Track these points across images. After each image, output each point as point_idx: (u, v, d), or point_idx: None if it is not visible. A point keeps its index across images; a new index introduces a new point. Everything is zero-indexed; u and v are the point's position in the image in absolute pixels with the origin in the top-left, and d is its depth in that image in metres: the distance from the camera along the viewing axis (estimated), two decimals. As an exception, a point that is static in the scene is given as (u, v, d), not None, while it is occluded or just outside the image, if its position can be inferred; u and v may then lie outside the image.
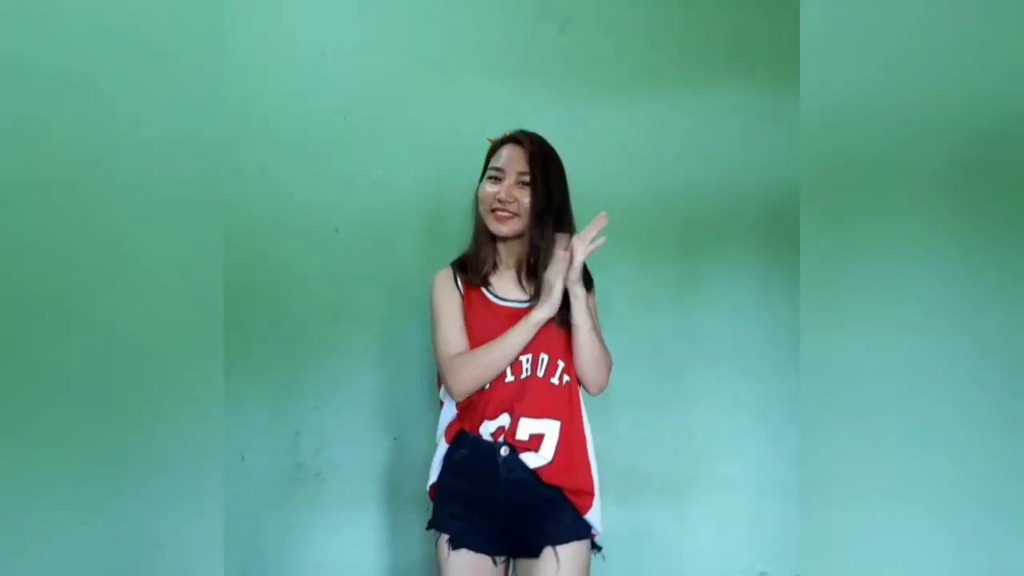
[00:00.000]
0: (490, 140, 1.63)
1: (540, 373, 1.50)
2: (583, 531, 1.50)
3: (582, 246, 1.44)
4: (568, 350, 1.52)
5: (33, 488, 0.79)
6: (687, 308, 2.16)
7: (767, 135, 2.19)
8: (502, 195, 1.50)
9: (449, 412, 1.59)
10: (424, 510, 1.99)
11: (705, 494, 2.17)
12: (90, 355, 0.81)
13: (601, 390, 1.56)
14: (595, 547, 1.54)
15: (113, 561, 0.82)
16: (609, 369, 1.56)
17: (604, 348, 1.54)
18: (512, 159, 1.53)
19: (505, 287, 1.57)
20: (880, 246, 0.94)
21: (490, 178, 1.53)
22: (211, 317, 0.89)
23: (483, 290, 1.56)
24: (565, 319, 1.51)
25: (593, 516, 1.52)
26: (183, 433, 0.85)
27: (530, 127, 1.68)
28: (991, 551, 0.90)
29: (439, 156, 2.01)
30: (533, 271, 1.53)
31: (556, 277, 1.45)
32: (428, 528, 1.57)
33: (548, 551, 1.44)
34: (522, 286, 1.56)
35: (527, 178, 1.51)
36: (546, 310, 1.46)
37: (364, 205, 1.98)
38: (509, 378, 1.49)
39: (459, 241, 1.90)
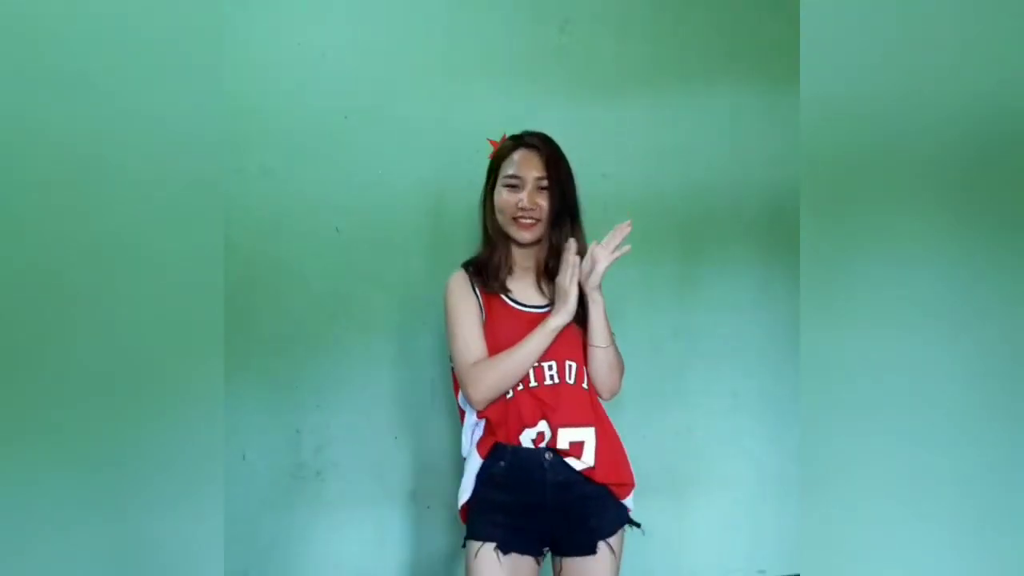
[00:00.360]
0: (491, 141, 1.63)
1: (570, 380, 1.51)
2: (623, 516, 1.55)
3: (604, 254, 1.45)
4: (581, 349, 1.54)
5: (33, 488, 0.79)
6: (687, 308, 2.16)
7: (767, 134, 2.19)
8: (525, 203, 1.50)
9: (471, 424, 1.56)
10: (425, 508, 2.00)
11: (705, 493, 2.17)
12: (90, 354, 0.82)
13: (614, 395, 1.57)
14: (634, 524, 1.56)
15: (113, 560, 0.82)
16: (622, 374, 1.57)
17: (619, 357, 1.55)
18: (529, 165, 1.52)
19: (524, 292, 1.57)
20: (880, 246, 0.94)
21: (508, 186, 1.53)
22: (211, 317, 0.89)
23: (503, 296, 1.55)
24: (584, 318, 1.51)
25: (629, 499, 1.56)
26: (183, 433, 0.85)
27: (530, 126, 1.68)
28: (990, 550, 0.90)
29: (439, 156, 2.01)
30: (552, 273, 1.54)
31: (570, 283, 1.45)
32: (464, 545, 1.53)
33: (603, 546, 1.49)
34: (540, 289, 1.57)
35: (545, 183, 1.52)
36: (563, 316, 1.46)
37: (365, 205, 1.98)
38: (532, 383, 1.49)
39: (460, 240, 1.91)
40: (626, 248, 1.45)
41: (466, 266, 1.60)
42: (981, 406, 0.91)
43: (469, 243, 1.75)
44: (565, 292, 1.45)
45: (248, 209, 1.91)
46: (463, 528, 1.56)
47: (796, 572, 2.16)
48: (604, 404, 1.59)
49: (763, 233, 2.20)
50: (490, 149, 1.63)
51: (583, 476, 1.49)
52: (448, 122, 2.01)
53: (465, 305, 1.53)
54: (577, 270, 1.45)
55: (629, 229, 1.45)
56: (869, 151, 0.94)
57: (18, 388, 0.78)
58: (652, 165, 2.13)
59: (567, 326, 1.49)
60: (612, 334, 1.55)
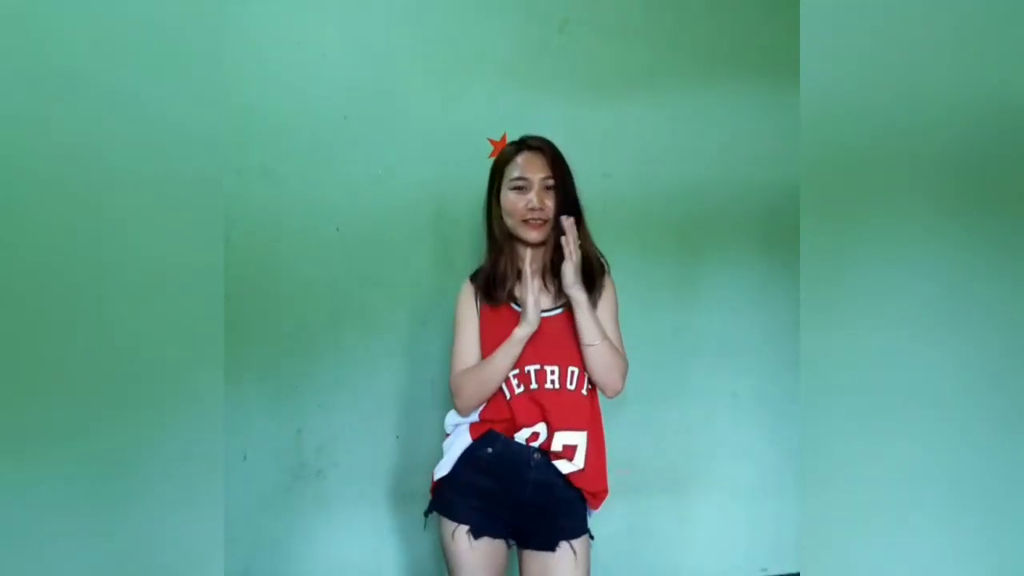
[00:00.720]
0: (491, 141, 1.63)
1: (571, 386, 1.54)
2: (586, 524, 1.57)
3: (567, 253, 1.47)
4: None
5: (34, 488, 0.79)
6: (687, 307, 2.17)
7: (767, 134, 2.19)
8: (534, 203, 1.53)
9: (472, 417, 1.60)
10: (426, 508, 2.00)
11: (705, 492, 2.17)
12: (90, 354, 0.82)
13: (616, 393, 1.57)
14: (590, 535, 1.59)
15: (114, 560, 0.82)
16: (623, 374, 1.57)
17: (616, 354, 1.55)
18: (534, 166, 1.55)
19: None
20: (879, 245, 0.94)
21: (515, 188, 1.55)
22: (211, 317, 0.89)
23: (511, 304, 1.58)
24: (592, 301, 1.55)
25: (597, 511, 1.58)
26: (183, 433, 0.85)
27: (530, 126, 1.68)
28: (989, 548, 0.90)
29: (439, 156, 2.01)
30: (558, 271, 1.55)
31: (528, 294, 1.48)
32: (428, 513, 1.60)
33: (564, 545, 1.51)
34: (547, 289, 1.59)
35: (551, 183, 1.55)
36: (525, 328, 1.49)
37: (365, 205, 1.98)
38: (533, 385, 1.53)
39: (460, 240, 1.91)
40: (573, 242, 1.48)
41: (474, 278, 1.64)
42: (980, 406, 0.91)
43: (469, 243, 1.75)
44: (524, 305, 1.49)
45: (248, 209, 1.91)
46: (427, 499, 1.60)
47: (798, 571, 2.16)
48: (604, 404, 1.60)
49: (762, 233, 2.20)
50: (490, 148, 1.63)
51: (565, 480, 1.53)
52: (448, 122, 2.01)
53: (465, 319, 1.60)
54: (535, 283, 1.48)
55: (571, 221, 1.48)
56: (869, 151, 0.94)
57: (18, 388, 0.78)
58: (652, 165, 2.13)
59: (567, 325, 1.53)
60: (615, 320, 1.57)
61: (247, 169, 1.92)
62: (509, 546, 1.56)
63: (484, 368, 1.53)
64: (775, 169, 2.18)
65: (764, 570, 2.21)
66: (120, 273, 0.84)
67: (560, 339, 1.53)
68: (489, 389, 1.53)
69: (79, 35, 0.83)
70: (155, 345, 0.85)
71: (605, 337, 1.53)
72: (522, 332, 1.49)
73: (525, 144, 1.59)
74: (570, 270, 1.47)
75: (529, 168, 1.55)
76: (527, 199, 1.53)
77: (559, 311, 1.56)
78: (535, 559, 1.53)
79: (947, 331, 0.91)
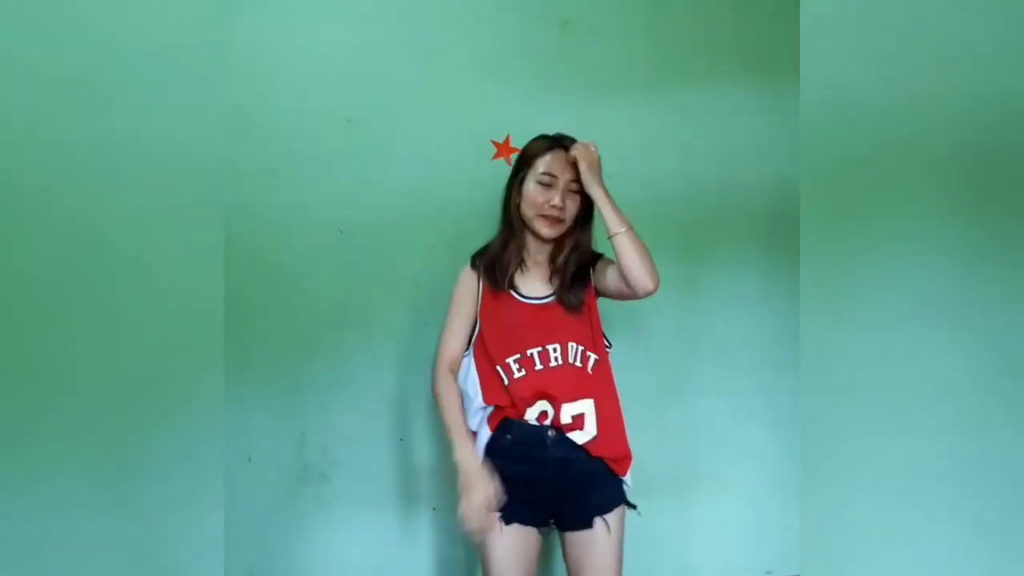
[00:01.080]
0: (494, 142, 1.64)
1: (572, 360, 1.57)
2: (620, 496, 1.59)
3: (583, 153, 1.55)
4: (586, 333, 1.59)
5: (36, 489, 0.79)
6: (689, 307, 2.16)
7: (768, 134, 2.19)
8: (557, 202, 1.57)
9: (477, 407, 1.61)
10: (430, 509, 2.00)
11: (708, 492, 2.16)
12: (92, 356, 0.82)
13: (657, 282, 1.53)
14: (630, 505, 1.60)
15: (114, 560, 0.82)
16: (654, 264, 1.54)
17: (642, 241, 1.54)
18: (564, 166, 1.58)
19: (531, 284, 1.63)
20: (880, 245, 0.94)
21: (542, 183, 1.58)
22: (211, 319, 0.89)
23: (511, 292, 1.62)
24: (580, 301, 1.59)
25: (627, 476, 1.61)
26: (183, 434, 0.86)
27: (533, 127, 1.69)
28: (992, 548, 0.90)
29: (441, 157, 2.01)
30: (560, 268, 1.62)
31: (466, 505, 1.49)
32: None
33: (599, 521, 1.53)
34: (550, 281, 1.63)
35: (575, 186, 1.58)
36: (461, 457, 1.53)
37: (367, 206, 1.99)
38: (538, 366, 1.56)
39: (462, 241, 1.91)
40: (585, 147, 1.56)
41: (477, 260, 1.66)
42: (982, 404, 0.91)
43: (472, 244, 1.75)
44: (464, 489, 1.50)
45: (252, 211, 1.92)
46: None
47: (798, 573, 2.15)
48: (612, 366, 1.61)
49: (765, 232, 2.20)
50: (493, 150, 1.64)
51: (584, 453, 1.54)
52: (450, 123, 2.01)
53: (459, 304, 1.65)
54: (480, 503, 1.49)
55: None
56: (869, 150, 0.94)
57: (19, 389, 0.78)
58: (653, 164, 2.13)
59: (564, 313, 1.58)
60: (626, 219, 1.55)
61: (251, 171, 1.92)
62: (543, 535, 1.58)
63: (444, 408, 1.59)
64: (777, 169, 2.17)
65: (769, 572, 2.20)
66: (121, 273, 0.84)
67: (556, 321, 1.58)
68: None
69: (79, 35, 0.83)
70: (155, 346, 0.85)
71: (630, 226, 1.53)
72: (458, 456, 1.53)
73: (560, 143, 1.61)
74: (584, 169, 1.52)
75: (558, 167, 1.58)
76: (551, 196, 1.57)
77: (551, 299, 1.60)
78: (574, 540, 1.56)
79: (948, 331, 0.91)
